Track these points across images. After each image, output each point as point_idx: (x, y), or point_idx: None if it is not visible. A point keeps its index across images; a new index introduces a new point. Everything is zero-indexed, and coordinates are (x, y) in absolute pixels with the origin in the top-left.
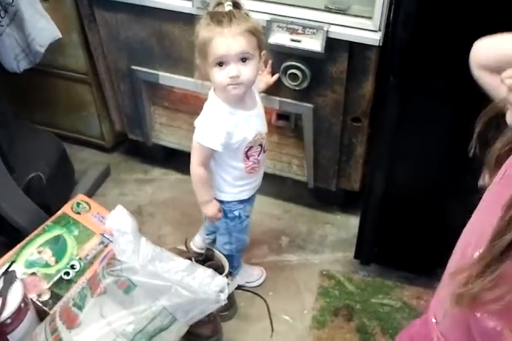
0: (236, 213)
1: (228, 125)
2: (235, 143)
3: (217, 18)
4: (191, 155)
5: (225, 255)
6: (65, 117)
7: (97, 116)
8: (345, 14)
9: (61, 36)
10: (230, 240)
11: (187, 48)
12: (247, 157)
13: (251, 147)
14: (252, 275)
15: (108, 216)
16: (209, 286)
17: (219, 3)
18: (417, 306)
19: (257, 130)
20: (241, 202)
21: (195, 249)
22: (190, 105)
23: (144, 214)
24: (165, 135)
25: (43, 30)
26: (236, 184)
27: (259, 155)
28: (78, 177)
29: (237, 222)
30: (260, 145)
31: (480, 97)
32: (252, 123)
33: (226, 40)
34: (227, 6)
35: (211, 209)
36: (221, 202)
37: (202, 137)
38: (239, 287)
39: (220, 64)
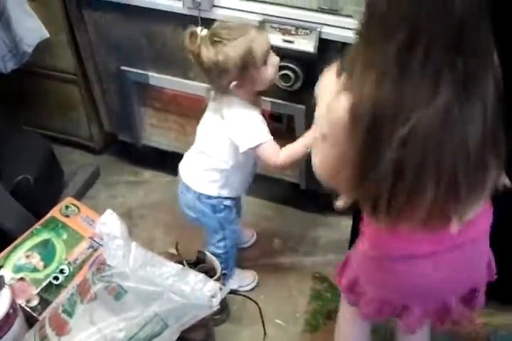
0: (226, 203)
1: (259, 116)
2: None
3: (223, 34)
4: (265, 159)
5: (220, 254)
6: (53, 118)
7: (86, 117)
8: (338, 15)
9: (48, 36)
10: (224, 235)
11: (178, 49)
12: None
13: None
14: (244, 279)
15: (98, 220)
16: (201, 291)
17: (192, 34)
18: None
19: None
20: None
21: None
22: (181, 106)
23: (135, 217)
24: (155, 136)
25: (31, 30)
26: (244, 180)
27: None
28: (67, 180)
29: (228, 212)
30: None
31: None
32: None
33: (259, 37)
34: (202, 32)
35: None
36: (211, 197)
37: (256, 138)
38: (232, 291)
39: (266, 60)
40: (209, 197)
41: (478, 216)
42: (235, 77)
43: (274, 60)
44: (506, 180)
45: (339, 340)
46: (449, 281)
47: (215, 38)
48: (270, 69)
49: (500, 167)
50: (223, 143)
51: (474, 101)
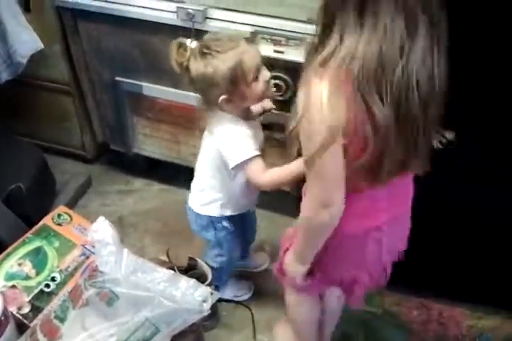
0: (225, 224)
1: (248, 131)
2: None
3: (213, 46)
4: (248, 177)
5: (215, 268)
6: (47, 128)
7: (79, 127)
8: None
9: (43, 47)
10: (221, 252)
11: (170, 59)
12: None
13: None
14: (240, 289)
15: (90, 227)
16: (192, 296)
17: (181, 46)
18: (397, 313)
19: (259, 138)
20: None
21: None
22: (173, 116)
23: (126, 225)
24: (148, 145)
25: (25, 41)
26: (244, 196)
27: None
28: (59, 189)
29: (226, 232)
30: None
31: None
32: (257, 133)
33: (250, 51)
34: (192, 44)
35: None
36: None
37: (240, 154)
38: (227, 300)
39: (257, 76)
40: (207, 215)
41: (408, 188)
42: (224, 91)
43: (265, 75)
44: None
45: (296, 323)
46: (392, 249)
47: (205, 50)
48: (261, 85)
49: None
50: (212, 157)
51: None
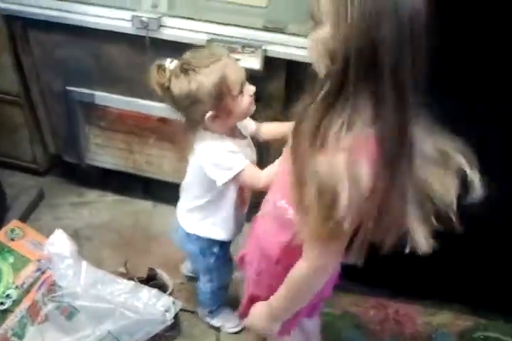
0: (215, 250)
1: (234, 146)
2: None
3: (194, 63)
4: (248, 186)
5: (207, 293)
6: None
7: (29, 139)
8: (282, 33)
9: None
10: (211, 278)
11: (125, 68)
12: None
13: None
14: (230, 320)
15: (47, 241)
16: (154, 306)
17: (160, 67)
18: (356, 313)
19: (249, 157)
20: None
21: (186, 273)
22: (127, 125)
23: (81, 238)
24: (101, 156)
25: None
26: (232, 219)
27: None
28: (10, 203)
29: (216, 259)
30: None
31: None
32: (245, 151)
33: (232, 64)
34: (172, 64)
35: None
36: (200, 238)
37: (230, 170)
38: (190, 310)
39: (242, 90)
40: (198, 238)
41: None
42: (209, 107)
43: (249, 89)
44: None
45: None
46: None
47: (186, 66)
48: (246, 99)
49: None
50: (197, 176)
51: None
